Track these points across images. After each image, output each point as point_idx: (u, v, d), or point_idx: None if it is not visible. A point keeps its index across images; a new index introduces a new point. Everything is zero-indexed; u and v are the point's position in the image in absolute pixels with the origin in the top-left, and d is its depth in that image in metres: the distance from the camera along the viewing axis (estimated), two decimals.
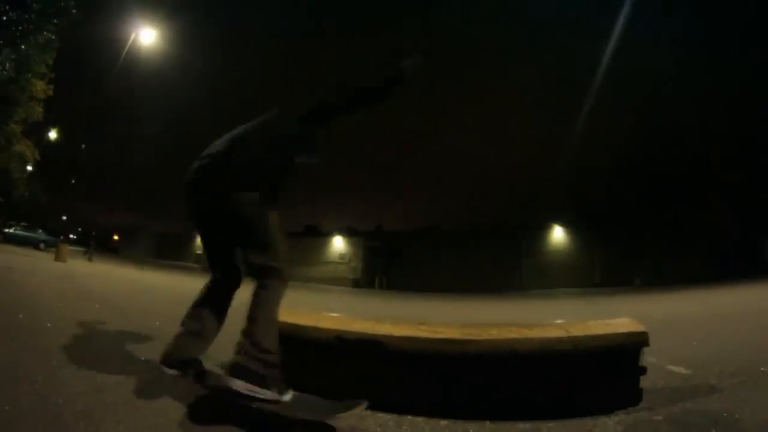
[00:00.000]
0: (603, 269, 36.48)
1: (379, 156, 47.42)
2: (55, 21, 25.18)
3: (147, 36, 23.14)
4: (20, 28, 24.29)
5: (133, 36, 23.31)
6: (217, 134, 3.06)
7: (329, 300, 18.39)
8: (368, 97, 3.17)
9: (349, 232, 43.01)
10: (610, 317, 3.49)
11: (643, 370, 3.05)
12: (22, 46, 24.67)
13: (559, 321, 3.54)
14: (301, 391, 3.03)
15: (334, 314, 3.89)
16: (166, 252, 63.36)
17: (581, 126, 41.02)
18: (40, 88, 26.59)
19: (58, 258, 21.37)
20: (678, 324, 8.10)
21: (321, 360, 3.26)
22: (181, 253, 62.39)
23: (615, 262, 35.71)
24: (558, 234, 39.80)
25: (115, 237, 63.10)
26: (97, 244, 25.68)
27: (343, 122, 3.25)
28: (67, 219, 45.73)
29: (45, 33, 25.17)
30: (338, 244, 42.34)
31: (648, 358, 3.87)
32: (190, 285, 17.53)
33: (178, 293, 11.44)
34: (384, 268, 39.39)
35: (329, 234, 43.55)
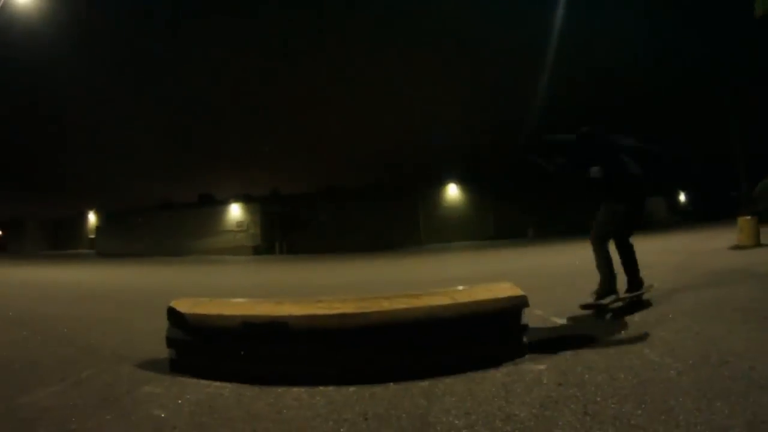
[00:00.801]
0: (497, 222, 37.89)
1: (272, 117, 46.45)
2: None
3: None
4: None
5: None
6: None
7: (229, 273, 18.15)
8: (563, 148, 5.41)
9: (245, 199, 42.06)
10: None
11: (525, 327, 3.38)
12: None
13: (447, 289, 3.80)
14: (217, 378, 3.21)
15: (238, 299, 4.01)
16: (60, 241, 60.32)
17: (474, 82, 41.80)
18: None
19: None
20: (564, 276, 8.67)
21: (231, 345, 3.37)
22: (74, 241, 59.64)
23: (509, 215, 37.10)
24: (453, 190, 40.84)
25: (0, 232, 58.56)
26: None
27: None
28: None
29: None
30: (235, 211, 41.30)
31: (535, 311, 4.27)
32: (96, 278, 16.87)
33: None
34: (283, 233, 39.09)
35: (225, 202, 42.47)
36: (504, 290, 3.50)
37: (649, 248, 9.21)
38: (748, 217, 12.56)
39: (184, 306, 3.54)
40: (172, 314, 3.49)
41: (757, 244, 11.89)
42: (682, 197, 50.94)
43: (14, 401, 3.20)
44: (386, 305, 3.34)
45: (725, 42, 29.62)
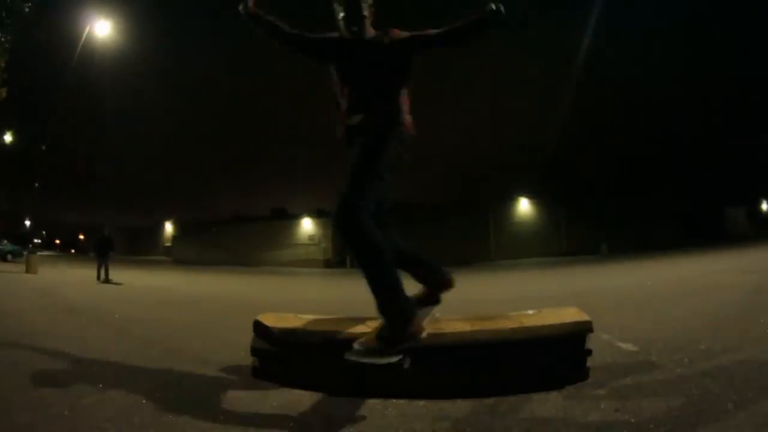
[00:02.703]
0: (569, 237, 37.15)
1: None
2: (8, 22, 24.46)
3: (102, 28, 21.17)
4: None
5: (87, 29, 21.54)
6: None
7: (302, 286, 18.57)
8: (462, 35, 3.51)
9: (318, 213, 42.75)
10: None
11: (588, 352, 3.49)
12: None
13: (516, 312, 3.97)
14: (295, 387, 3.49)
15: (319, 316, 4.30)
16: (136, 247, 62.99)
17: (544, 98, 41.57)
18: None
19: (29, 270, 20.42)
20: (634, 298, 8.65)
21: (310, 358, 3.65)
22: (150, 247, 62.16)
23: (581, 230, 36.30)
24: (524, 205, 40.34)
25: (81, 236, 61.54)
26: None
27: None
28: (31, 224, 43.44)
29: None
30: (307, 225, 42.17)
31: (602, 335, 4.36)
32: (174, 284, 17.56)
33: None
34: None
35: (297, 216, 43.31)
36: (570, 315, 3.62)
37: (719, 266, 8.90)
38: None
39: (269, 320, 3.84)
40: (258, 327, 3.80)
41: None
42: (764, 206, 47.55)
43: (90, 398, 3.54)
44: (458, 327, 3.54)
45: None
